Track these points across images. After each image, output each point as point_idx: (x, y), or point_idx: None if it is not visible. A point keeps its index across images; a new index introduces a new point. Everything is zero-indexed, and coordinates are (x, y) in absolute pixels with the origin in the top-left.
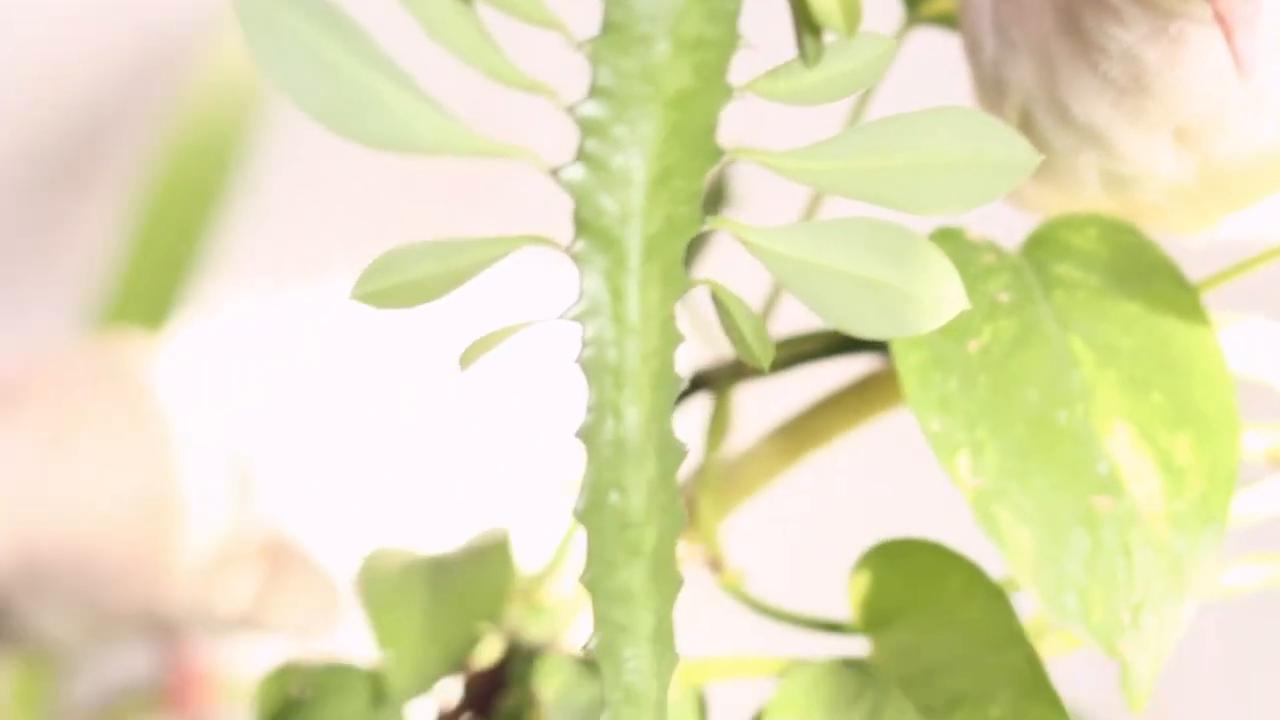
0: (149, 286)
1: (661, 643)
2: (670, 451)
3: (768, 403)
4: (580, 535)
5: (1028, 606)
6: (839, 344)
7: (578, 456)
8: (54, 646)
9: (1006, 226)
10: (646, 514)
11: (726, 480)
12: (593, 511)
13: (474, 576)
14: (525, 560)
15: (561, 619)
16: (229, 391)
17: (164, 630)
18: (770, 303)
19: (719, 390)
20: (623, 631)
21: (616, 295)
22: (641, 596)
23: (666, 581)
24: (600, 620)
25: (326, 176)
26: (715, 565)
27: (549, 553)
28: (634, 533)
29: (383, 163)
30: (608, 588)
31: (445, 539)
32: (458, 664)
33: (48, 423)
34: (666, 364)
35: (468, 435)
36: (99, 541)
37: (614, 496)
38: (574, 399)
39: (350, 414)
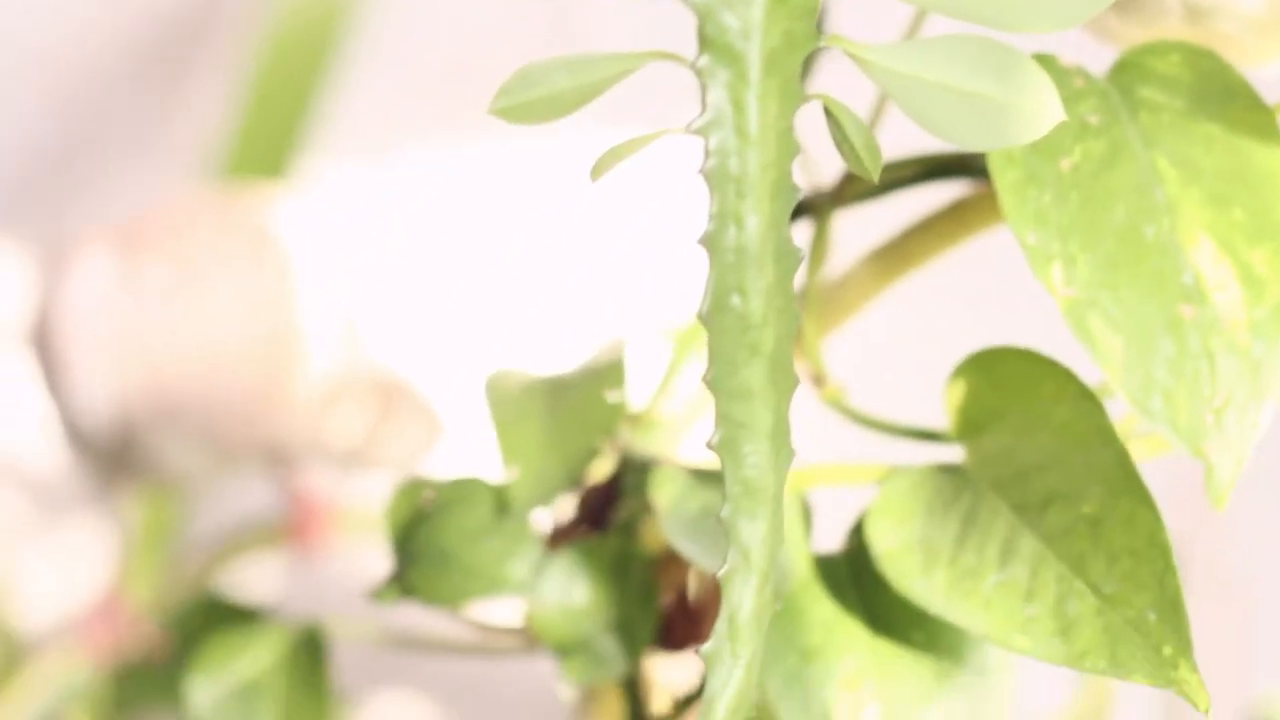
0: (261, 148)
1: (778, 439)
2: (787, 258)
3: (865, 228)
4: (689, 357)
5: (1116, 415)
6: (931, 170)
7: (699, 264)
8: (180, 479)
9: (1090, 58)
10: (765, 316)
11: (827, 301)
12: (715, 314)
13: (590, 394)
14: (637, 381)
15: (672, 435)
16: (341, 241)
17: (283, 464)
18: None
19: (819, 216)
20: (742, 428)
21: (738, 108)
22: (760, 394)
23: (783, 381)
24: (721, 417)
25: (434, 37)
26: (818, 380)
27: (658, 375)
28: (754, 334)
29: (486, 30)
30: (729, 386)
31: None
32: (575, 477)
33: (174, 264)
34: (784, 174)
35: (572, 281)
36: (223, 376)
37: (735, 300)
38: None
39: (457, 265)
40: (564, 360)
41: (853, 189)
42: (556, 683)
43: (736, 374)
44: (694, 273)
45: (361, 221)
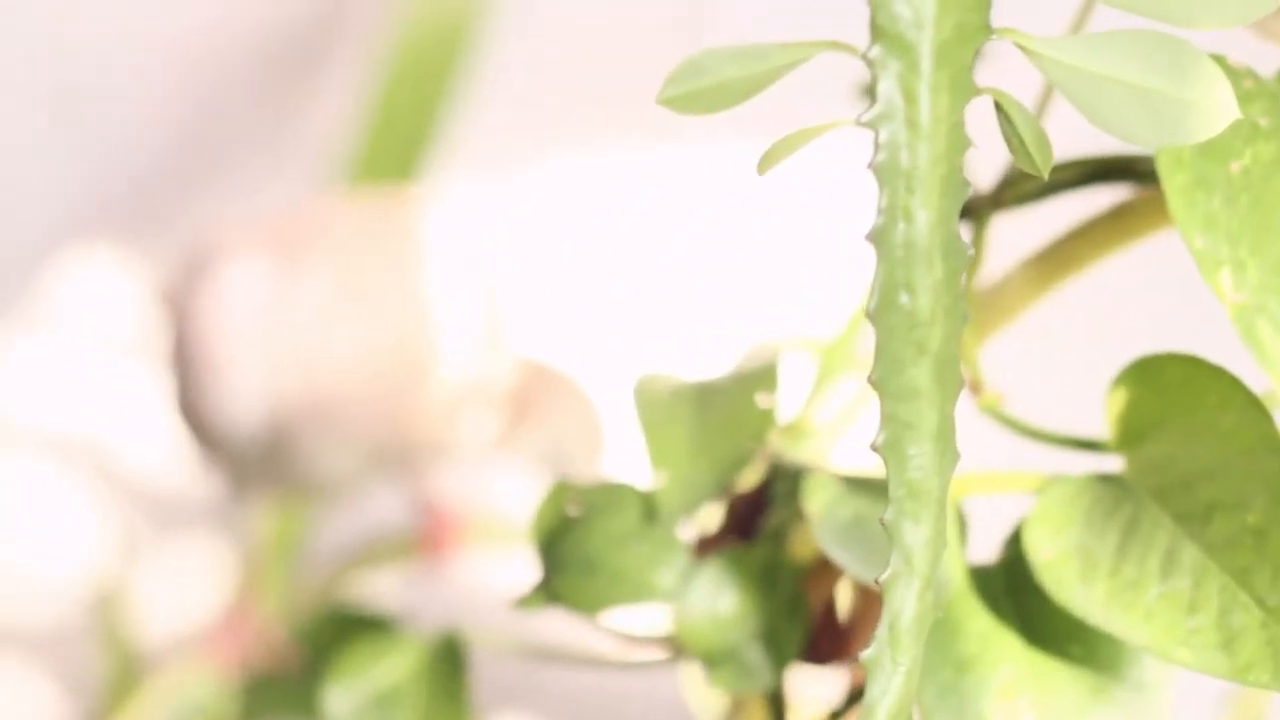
0: (391, 154)
1: (943, 440)
2: (955, 255)
3: (1023, 232)
4: (841, 365)
5: None
6: (1094, 173)
7: (858, 264)
8: (319, 486)
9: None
10: (933, 314)
11: (985, 306)
12: (883, 311)
13: (741, 399)
14: (788, 388)
15: (822, 443)
16: (485, 244)
17: (421, 471)
18: None
19: (977, 219)
20: (908, 429)
21: (910, 99)
22: (927, 394)
23: (949, 381)
24: (886, 418)
25: (565, 41)
26: (975, 387)
27: (809, 382)
28: (921, 331)
29: (617, 33)
30: (895, 386)
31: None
32: (725, 484)
33: (331, 266)
34: (954, 169)
35: (718, 284)
36: (378, 379)
37: (903, 297)
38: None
39: (596, 269)
40: (713, 365)
41: (1012, 191)
42: (691, 700)
43: (903, 373)
44: (841, 276)
45: (498, 227)
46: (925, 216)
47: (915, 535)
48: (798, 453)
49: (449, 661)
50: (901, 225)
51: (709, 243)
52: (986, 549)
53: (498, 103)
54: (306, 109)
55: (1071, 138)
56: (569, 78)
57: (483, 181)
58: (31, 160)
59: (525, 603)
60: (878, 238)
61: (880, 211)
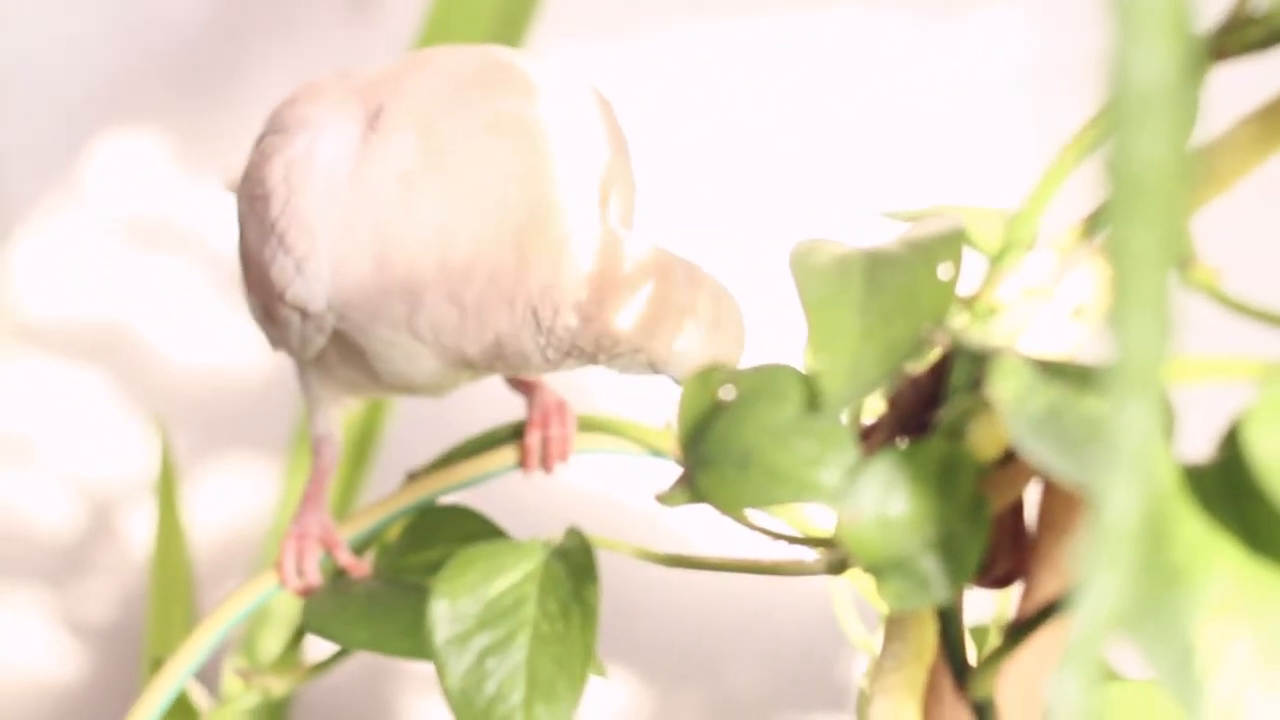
0: (480, 14)
1: (1165, 316)
2: (1186, 105)
3: (1246, 84)
4: (1031, 231)
5: None
6: None
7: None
8: (403, 381)
9: None
10: (1161, 172)
11: (1198, 170)
12: (1109, 168)
13: (919, 271)
14: (974, 258)
15: (1009, 322)
16: (601, 110)
17: (526, 375)
18: None
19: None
20: (1130, 301)
21: None
22: (1151, 262)
23: (1174, 249)
24: (1113, 287)
25: None
26: (1184, 261)
27: (998, 247)
28: (1148, 192)
29: None
30: (1120, 251)
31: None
32: (897, 370)
33: (415, 135)
34: (1186, 5)
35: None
36: (460, 264)
37: (1131, 152)
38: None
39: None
40: (870, 236)
41: (1235, 38)
42: (840, 615)
43: (1129, 237)
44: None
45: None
46: (1153, 61)
47: (1136, 424)
48: (980, 334)
49: (577, 567)
50: (1127, 70)
51: (842, 112)
52: (1194, 449)
53: None
54: None
55: None
56: None
57: (588, 47)
58: (61, 26)
59: (668, 499)
60: (1103, 84)
61: (1106, 54)
